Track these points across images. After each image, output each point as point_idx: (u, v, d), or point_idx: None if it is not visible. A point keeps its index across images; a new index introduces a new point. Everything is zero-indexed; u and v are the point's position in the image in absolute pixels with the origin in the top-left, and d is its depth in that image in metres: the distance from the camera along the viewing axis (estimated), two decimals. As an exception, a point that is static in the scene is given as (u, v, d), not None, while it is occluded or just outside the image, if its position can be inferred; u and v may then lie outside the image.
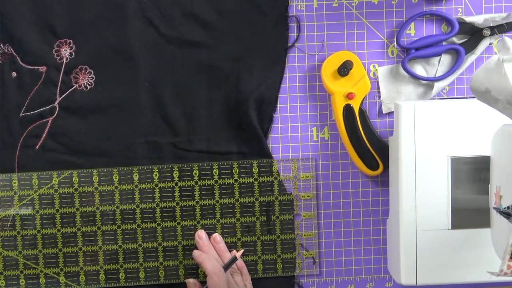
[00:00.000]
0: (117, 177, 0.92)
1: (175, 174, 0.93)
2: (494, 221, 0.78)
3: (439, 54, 0.92)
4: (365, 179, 0.95)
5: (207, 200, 0.93)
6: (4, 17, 0.91)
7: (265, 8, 0.92)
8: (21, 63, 0.91)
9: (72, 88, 0.92)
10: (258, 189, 0.93)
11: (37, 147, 0.92)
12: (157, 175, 0.93)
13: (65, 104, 0.92)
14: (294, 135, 0.94)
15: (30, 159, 0.92)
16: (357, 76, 0.92)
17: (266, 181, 0.94)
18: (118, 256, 0.93)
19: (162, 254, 0.93)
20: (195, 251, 0.91)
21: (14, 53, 0.91)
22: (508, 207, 0.70)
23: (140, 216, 0.93)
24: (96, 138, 0.93)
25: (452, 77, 0.93)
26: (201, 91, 0.93)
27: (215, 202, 0.93)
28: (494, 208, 0.75)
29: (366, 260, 0.96)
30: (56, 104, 0.92)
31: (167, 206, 0.93)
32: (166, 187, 0.93)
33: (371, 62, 0.93)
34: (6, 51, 0.91)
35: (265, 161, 0.93)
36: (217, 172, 0.93)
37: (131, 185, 0.93)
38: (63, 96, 0.92)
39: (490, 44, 0.93)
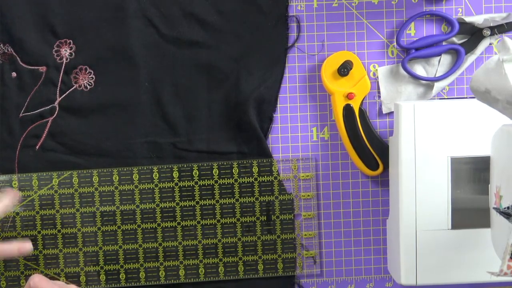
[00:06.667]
0: (117, 178, 0.93)
1: (175, 174, 0.93)
2: (494, 221, 0.78)
3: (439, 54, 0.92)
4: (365, 179, 0.95)
5: (207, 200, 0.93)
6: (4, 17, 0.91)
7: (265, 8, 0.92)
8: (21, 63, 0.91)
9: (72, 88, 0.92)
10: (258, 189, 0.94)
11: (37, 147, 0.92)
12: (157, 175, 0.93)
13: (65, 104, 0.92)
14: (294, 135, 0.94)
15: (30, 159, 0.92)
16: (357, 76, 0.92)
17: (266, 180, 0.94)
18: (119, 257, 0.93)
19: (163, 254, 0.94)
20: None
21: (14, 53, 0.91)
22: (508, 207, 0.71)
23: (140, 216, 0.93)
24: (96, 138, 0.93)
25: (452, 77, 0.93)
26: (201, 91, 0.93)
27: (215, 202, 0.93)
28: (494, 208, 0.75)
29: (366, 260, 0.96)
30: (56, 104, 0.92)
31: (167, 206, 0.93)
32: (166, 187, 0.93)
33: (371, 62, 0.93)
34: (6, 51, 0.91)
35: (265, 161, 0.93)
36: (217, 172, 0.93)
37: (131, 185, 0.93)
38: (63, 96, 0.92)
39: (490, 44, 0.93)
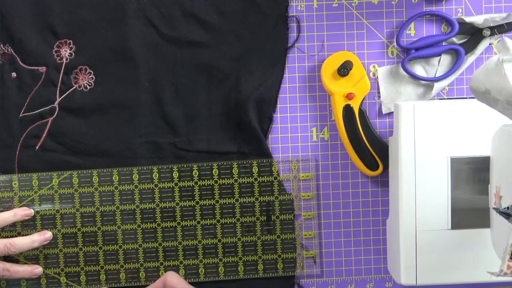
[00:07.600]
0: (117, 178, 0.93)
1: (175, 174, 0.93)
2: (494, 221, 0.78)
3: (439, 54, 0.93)
4: (365, 179, 0.95)
5: (207, 200, 0.93)
6: (4, 17, 0.91)
7: (265, 8, 0.92)
8: (21, 63, 0.91)
9: (72, 89, 0.92)
10: (258, 189, 0.94)
11: (37, 148, 0.92)
12: (157, 175, 0.93)
13: (65, 105, 0.92)
14: (294, 135, 0.94)
15: (30, 159, 0.92)
16: (357, 76, 0.92)
17: (266, 181, 0.94)
18: (119, 257, 0.93)
19: (162, 254, 0.94)
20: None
21: (14, 54, 0.91)
22: (507, 207, 0.71)
23: (140, 216, 0.93)
24: (96, 138, 0.93)
25: (452, 77, 0.93)
26: (201, 91, 0.93)
27: (215, 202, 0.93)
28: (494, 208, 0.75)
29: (366, 260, 0.96)
30: (56, 104, 0.92)
31: (167, 207, 0.93)
32: (166, 187, 0.93)
33: (371, 62, 0.93)
34: (6, 51, 0.91)
35: (265, 161, 0.93)
36: (217, 172, 0.93)
37: (131, 185, 0.93)
38: (63, 96, 0.92)
39: (490, 44, 0.93)
